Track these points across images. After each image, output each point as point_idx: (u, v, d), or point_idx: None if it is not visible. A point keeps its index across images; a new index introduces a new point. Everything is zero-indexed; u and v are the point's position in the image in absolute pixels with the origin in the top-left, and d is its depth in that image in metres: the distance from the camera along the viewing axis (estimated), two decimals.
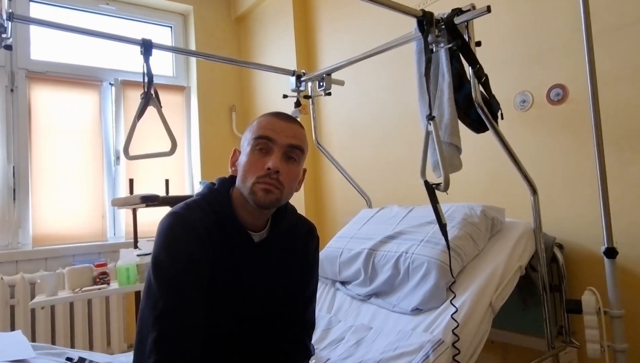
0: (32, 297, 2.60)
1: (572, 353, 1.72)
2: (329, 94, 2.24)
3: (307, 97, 2.35)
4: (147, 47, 1.66)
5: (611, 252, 1.43)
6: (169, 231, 1.03)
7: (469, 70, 1.51)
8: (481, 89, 1.52)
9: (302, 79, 2.28)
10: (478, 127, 1.63)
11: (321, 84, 2.23)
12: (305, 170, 1.16)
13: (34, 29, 3.05)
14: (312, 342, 1.60)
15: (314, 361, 1.42)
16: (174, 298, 0.97)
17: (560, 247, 1.80)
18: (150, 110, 1.75)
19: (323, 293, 1.99)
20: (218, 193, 1.12)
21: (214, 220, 1.07)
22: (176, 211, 1.05)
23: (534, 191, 1.64)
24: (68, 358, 1.21)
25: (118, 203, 2.77)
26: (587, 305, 1.46)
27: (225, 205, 1.10)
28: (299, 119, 2.36)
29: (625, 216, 1.65)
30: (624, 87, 1.65)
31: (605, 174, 1.44)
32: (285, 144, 1.06)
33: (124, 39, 1.72)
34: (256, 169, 1.05)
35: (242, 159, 1.09)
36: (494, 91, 1.56)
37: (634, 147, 1.64)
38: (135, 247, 2.59)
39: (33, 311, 2.62)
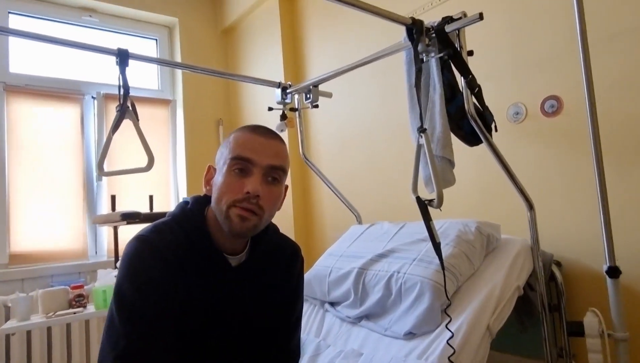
0: (7, 319, 2.46)
1: None
2: (316, 106, 2.16)
3: (293, 109, 2.27)
4: (122, 57, 1.58)
5: (614, 272, 1.36)
6: (134, 258, 0.92)
7: (461, 80, 1.44)
8: (474, 100, 1.45)
9: (288, 91, 2.21)
10: (471, 139, 1.56)
11: (308, 96, 2.15)
12: (287, 188, 1.07)
13: (12, 42, 2.95)
14: None
15: None
16: (138, 335, 0.87)
17: (559, 264, 1.73)
18: (130, 123, 1.66)
19: (312, 315, 1.89)
20: (191, 214, 1.02)
21: (186, 244, 0.97)
22: (143, 234, 0.95)
23: (530, 206, 1.57)
24: None
25: (99, 220, 2.66)
26: (590, 328, 1.38)
27: (198, 226, 1.00)
28: (285, 133, 2.29)
29: (626, 232, 1.58)
30: (619, 98, 1.60)
31: (606, 188, 1.37)
32: (266, 165, 0.97)
33: (99, 49, 1.64)
34: (233, 192, 0.95)
35: (218, 178, 0.99)
36: (487, 103, 1.50)
37: (632, 160, 1.57)
38: (115, 266, 2.47)
39: (7, 336, 2.49)
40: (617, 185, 1.60)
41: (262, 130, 1.01)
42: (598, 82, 1.59)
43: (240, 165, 0.96)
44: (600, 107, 1.55)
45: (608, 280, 1.37)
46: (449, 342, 1.30)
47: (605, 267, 1.37)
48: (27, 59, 3.01)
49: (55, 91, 3.03)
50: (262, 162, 0.96)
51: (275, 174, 0.99)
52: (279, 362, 1.11)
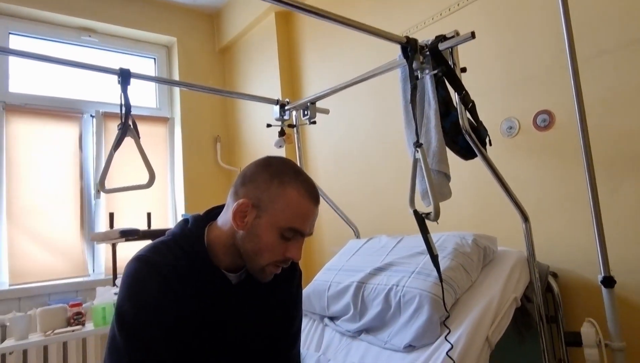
0: (4, 339, 2.45)
1: None
2: (314, 122, 2.20)
3: (291, 126, 2.31)
4: (124, 76, 1.61)
5: (609, 281, 1.38)
6: (134, 278, 0.94)
7: (455, 96, 1.48)
8: (468, 115, 1.48)
9: (286, 107, 2.25)
10: (466, 154, 1.59)
11: (306, 112, 2.19)
12: None
13: (12, 62, 2.99)
14: None
15: None
16: (140, 354, 0.88)
17: (555, 275, 1.75)
18: (130, 141, 1.69)
19: (311, 330, 1.89)
20: (191, 233, 1.03)
21: (185, 263, 0.98)
22: (142, 254, 0.97)
23: (525, 218, 1.60)
24: None
25: (97, 238, 2.67)
26: (587, 338, 1.40)
27: (198, 245, 1.01)
28: (282, 149, 2.32)
29: (620, 243, 1.61)
30: (609, 112, 1.64)
31: (598, 200, 1.40)
32: (309, 234, 1.02)
33: (101, 68, 1.67)
34: (276, 254, 0.98)
35: (263, 233, 0.97)
36: (480, 117, 1.54)
37: (623, 173, 1.61)
38: (114, 284, 2.47)
39: (3, 356, 2.47)
40: (610, 196, 1.63)
41: (316, 197, 1.02)
42: (588, 97, 1.64)
43: (292, 234, 0.98)
44: (591, 121, 1.59)
45: (603, 290, 1.39)
46: (449, 353, 1.32)
47: (600, 277, 1.39)
48: (26, 79, 3.04)
49: (54, 110, 3.06)
50: (309, 232, 1.01)
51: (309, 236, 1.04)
52: None
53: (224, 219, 1.02)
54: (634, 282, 1.58)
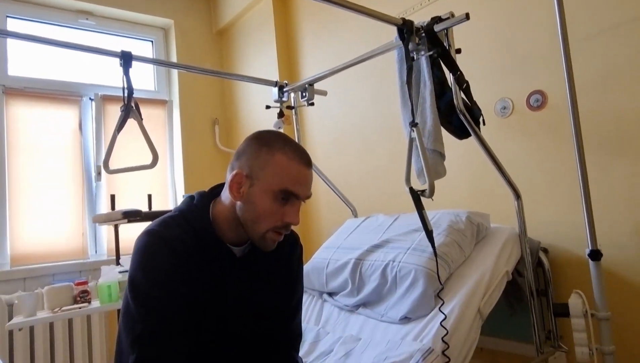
0: (10, 318, 2.51)
1: (561, 358, 1.72)
2: (312, 104, 2.23)
3: (290, 107, 2.34)
4: (126, 59, 1.64)
5: (595, 254, 1.44)
6: (145, 250, 0.98)
7: (450, 77, 1.52)
8: (462, 95, 1.53)
9: (285, 89, 2.28)
10: (460, 133, 1.63)
11: (304, 94, 2.23)
12: None
13: (11, 45, 3.00)
14: (301, 354, 1.58)
15: None
16: (153, 320, 0.94)
17: (545, 251, 1.81)
18: (131, 123, 1.72)
19: (310, 305, 1.96)
20: (197, 209, 1.07)
21: (193, 237, 1.03)
22: (152, 229, 1.01)
23: (517, 196, 1.65)
24: None
25: (99, 219, 2.72)
26: (574, 308, 1.47)
27: (203, 220, 1.06)
28: (281, 130, 2.36)
29: (608, 218, 1.67)
30: (600, 92, 1.68)
31: (587, 177, 1.46)
32: (305, 196, 1.05)
33: (103, 51, 1.70)
34: (274, 219, 1.01)
35: (258, 200, 1.00)
36: (475, 98, 1.58)
37: (613, 151, 1.66)
38: (117, 264, 2.53)
39: (10, 333, 2.53)
40: (600, 174, 1.68)
41: (306, 160, 1.05)
42: (582, 77, 1.69)
43: (286, 196, 1.01)
44: (582, 101, 1.63)
45: (590, 262, 1.45)
46: (442, 323, 1.38)
47: (587, 251, 1.45)
48: (24, 62, 3.05)
49: (53, 93, 3.08)
50: (305, 195, 1.04)
51: (305, 200, 1.07)
52: (283, 342, 1.18)
53: (225, 194, 1.07)
54: (621, 256, 1.65)
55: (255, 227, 1.02)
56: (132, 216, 2.41)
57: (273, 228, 1.02)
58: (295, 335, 1.22)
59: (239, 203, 1.03)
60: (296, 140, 2.46)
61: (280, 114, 2.28)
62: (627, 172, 1.63)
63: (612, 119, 1.66)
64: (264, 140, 1.04)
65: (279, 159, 1.01)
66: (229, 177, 1.04)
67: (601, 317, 1.44)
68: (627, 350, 1.62)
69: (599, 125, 1.69)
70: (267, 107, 2.28)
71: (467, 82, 1.51)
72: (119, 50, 1.68)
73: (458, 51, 1.54)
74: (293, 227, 1.15)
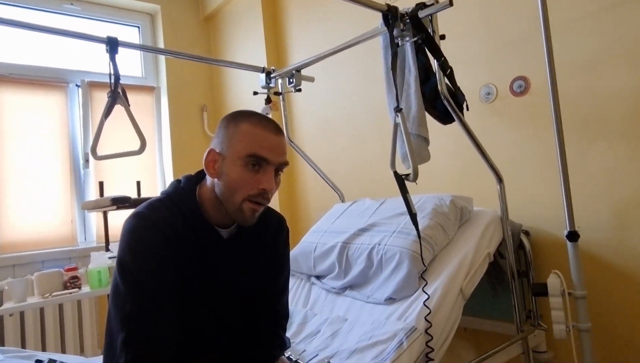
0: (0, 305, 2.52)
1: (540, 336, 1.78)
2: (299, 90, 2.25)
3: (277, 93, 2.35)
4: (112, 44, 1.64)
5: (573, 236, 1.49)
6: (133, 232, 1.01)
7: (434, 63, 1.54)
8: (446, 81, 1.55)
9: (272, 75, 2.29)
10: (444, 118, 1.66)
11: (291, 80, 2.24)
12: None
13: None
14: (289, 336, 1.62)
15: (289, 353, 1.43)
16: (142, 299, 0.96)
17: (527, 233, 1.86)
18: (119, 109, 1.73)
19: (299, 289, 2.00)
20: (184, 191, 1.10)
21: (180, 219, 1.05)
22: (140, 211, 1.03)
23: (499, 180, 1.69)
24: (38, 361, 1.19)
25: (88, 206, 2.72)
26: (552, 288, 1.52)
27: (190, 203, 1.08)
28: (270, 116, 2.37)
29: (587, 201, 1.72)
30: (582, 78, 1.72)
31: (566, 161, 1.50)
32: (278, 163, 1.05)
33: (88, 37, 1.69)
34: (248, 187, 1.02)
35: (230, 170, 1.03)
36: (460, 84, 1.60)
37: (592, 136, 1.71)
38: (107, 250, 2.54)
39: (1, 318, 2.55)
40: (579, 158, 1.73)
41: (272, 127, 1.06)
42: (564, 62, 1.72)
43: (256, 162, 1.02)
44: (563, 86, 1.67)
45: (568, 243, 1.50)
46: (425, 303, 1.43)
47: (565, 232, 1.50)
48: (10, 48, 3.01)
49: (39, 80, 3.05)
50: (276, 160, 1.04)
51: (281, 169, 1.08)
52: (270, 321, 1.22)
53: (208, 176, 1.10)
54: (598, 238, 1.70)
55: (231, 199, 1.03)
56: (121, 202, 2.42)
57: (248, 198, 1.03)
58: (282, 316, 1.25)
59: (216, 180, 1.06)
60: (284, 127, 2.49)
61: (268, 100, 2.29)
62: (605, 155, 1.68)
63: (591, 103, 1.70)
64: (231, 116, 1.08)
65: (244, 127, 1.04)
66: (204, 157, 1.07)
67: (578, 295, 1.49)
68: (603, 327, 1.68)
69: (580, 110, 1.73)
70: (255, 93, 2.29)
71: (451, 67, 1.53)
72: (104, 36, 1.68)
73: (442, 37, 1.56)
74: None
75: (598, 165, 1.70)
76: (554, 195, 1.80)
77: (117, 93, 1.65)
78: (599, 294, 1.69)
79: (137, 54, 3.58)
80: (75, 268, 2.22)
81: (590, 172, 1.71)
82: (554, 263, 1.79)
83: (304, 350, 1.48)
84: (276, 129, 1.07)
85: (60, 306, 2.67)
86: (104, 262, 2.19)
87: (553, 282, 1.52)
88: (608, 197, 1.68)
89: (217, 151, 1.06)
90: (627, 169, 1.63)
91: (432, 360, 1.36)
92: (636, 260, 1.63)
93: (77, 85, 3.19)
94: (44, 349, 2.63)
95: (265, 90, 2.31)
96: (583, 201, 1.71)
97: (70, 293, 2.09)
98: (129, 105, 1.66)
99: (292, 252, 2.05)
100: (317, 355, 1.43)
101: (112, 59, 1.65)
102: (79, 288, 2.17)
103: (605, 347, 1.69)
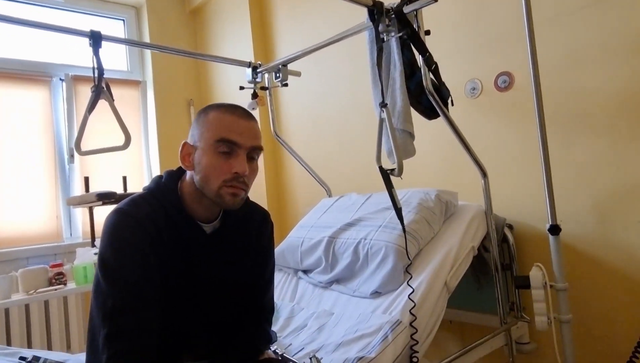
0: None
1: (523, 327, 1.82)
2: (286, 85, 2.24)
3: (264, 88, 2.35)
4: (95, 38, 1.62)
5: (555, 229, 1.51)
6: (114, 228, 1.00)
7: (419, 58, 1.55)
8: (431, 76, 1.56)
9: (258, 70, 2.28)
10: (430, 113, 1.68)
11: (278, 75, 2.23)
12: None
13: None
14: (276, 330, 1.63)
15: (275, 347, 1.44)
16: (124, 295, 0.96)
17: (510, 227, 1.89)
18: (104, 104, 1.71)
19: (286, 283, 2.01)
20: (165, 187, 1.10)
21: (162, 214, 1.05)
22: (121, 207, 1.03)
23: (484, 174, 1.71)
24: (22, 358, 1.18)
25: (73, 202, 2.69)
26: (535, 280, 1.54)
27: (172, 198, 1.08)
28: (256, 111, 2.37)
29: (569, 195, 1.74)
30: (564, 73, 1.74)
31: (548, 156, 1.52)
32: (249, 147, 1.05)
33: (71, 30, 1.67)
34: (222, 173, 1.03)
35: (203, 159, 1.04)
36: (446, 79, 1.62)
37: (575, 131, 1.73)
38: (93, 246, 2.52)
39: None
40: (562, 152, 1.76)
41: (241, 112, 1.07)
42: (548, 58, 1.74)
43: (226, 147, 1.03)
44: (546, 81, 1.69)
45: (550, 237, 1.53)
46: (410, 296, 1.44)
47: (547, 226, 1.53)
48: None
49: (22, 73, 3.00)
50: (247, 143, 1.05)
51: (255, 153, 1.08)
52: (255, 316, 1.22)
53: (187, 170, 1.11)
54: (580, 231, 1.73)
55: (208, 186, 1.04)
56: (107, 198, 2.40)
57: (224, 183, 1.03)
58: (267, 310, 1.26)
59: (193, 173, 1.07)
60: (270, 121, 2.49)
61: (254, 95, 2.28)
62: (587, 150, 1.70)
63: (574, 98, 1.73)
64: (202, 109, 1.10)
65: (212, 116, 1.06)
66: (179, 151, 1.08)
67: (559, 288, 1.52)
68: (583, 318, 1.72)
69: (562, 105, 1.75)
70: (241, 88, 2.28)
71: (435, 63, 1.54)
72: (88, 29, 1.66)
73: (427, 32, 1.57)
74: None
75: (580, 160, 1.72)
76: (537, 190, 1.82)
77: (101, 88, 1.63)
78: (580, 286, 1.72)
79: (122, 47, 3.54)
80: (60, 265, 2.20)
81: (572, 166, 1.74)
82: (537, 256, 1.82)
83: (290, 344, 1.49)
84: (245, 113, 1.08)
85: (46, 302, 2.65)
86: (89, 258, 2.18)
87: (535, 274, 1.55)
88: (589, 191, 1.71)
89: (190, 143, 1.08)
90: (608, 163, 1.66)
91: (417, 352, 1.38)
92: (616, 253, 1.66)
93: (61, 79, 3.14)
94: (29, 346, 2.61)
95: (252, 85, 2.30)
96: (565, 195, 1.74)
97: (56, 289, 2.07)
98: (113, 100, 1.65)
99: (279, 247, 2.06)
100: (302, 348, 1.44)
101: (96, 53, 1.63)
102: (65, 284, 2.15)
103: (586, 338, 1.73)
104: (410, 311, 1.42)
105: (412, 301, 1.43)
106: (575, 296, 1.69)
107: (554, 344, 1.52)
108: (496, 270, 1.72)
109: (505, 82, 1.90)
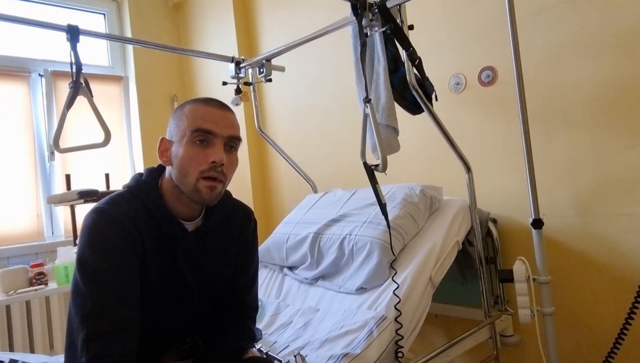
0: None
1: (507, 321, 1.83)
2: (270, 80, 2.22)
3: (247, 83, 2.32)
4: (73, 33, 1.58)
5: (538, 223, 1.52)
6: (93, 228, 0.98)
7: (403, 53, 1.54)
8: (415, 71, 1.56)
9: (242, 65, 2.25)
10: (414, 108, 1.67)
11: (261, 70, 2.21)
12: None
13: None
14: (261, 327, 1.62)
15: (260, 345, 1.43)
16: (102, 296, 0.94)
17: (494, 221, 1.90)
18: (84, 100, 1.67)
19: (271, 279, 2.00)
20: (145, 185, 1.08)
21: (142, 213, 1.03)
22: (100, 206, 1.01)
23: (468, 169, 1.71)
24: None
25: (54, 200, 2.64)
26: (518, 274, 1.55)
27: (152, 195, 1.06)
28: (240, 106, 2.34)
29: (552, 189, 1.76)
30: (547, 68, 1.75)
31: (531, 150, 1.53)
32: (226, 136, 1.03)
33: (48, 25, 1.63)
34: (198, 163, 1.00)
35: (179, 151, 1.02)
36: (429, 74, 1.61)
37: (557, 125, 1.74)
38: (75, 245, 2.48)
39: None
40: (545, 147, 1.77)
41: (215, 103, 1.07)
42: (530, 52, 1.75)
43: (202, 137, 1.01)
44: (529, 76, 1.70)
45: (533, 231, 1.54)
46: (395, 292, 1.44)
47: (530, 220, 1.54)
48: None
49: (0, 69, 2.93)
50: (223, 133, 1.03)
51: (233, 143, 1.06)
52: (238, 314, 1.21)
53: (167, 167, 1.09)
54: (562, 225, 1.75)
55: (185, 180, 1.02)
56: (89, 196, 2.36)
57: (201, 175, 1.01)
58: (251, 308, 1.25)
59: (171, 168, 1.06)
60: (255, 117, 2.46)
61: (238, 91, 2.26)
62: (568, 145, 1.72)
63: (556, 93, 1.74)
64: (179, 105, 1.09)
65: (187, 108, 1.05)
66: (156, 148, 1.08)
67: (542, 281, 1.53)
68: (565, 311, 1.74)
69: (545, 99, 1.76)
70: (224, 83, 2.25)
71: (419, 58, 1.54)
72: (66, 23, 1.62)
73: (411, 27, 1.57)
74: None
75: (561, 154, 1.74)
76: (520, 184, 1.83)
77: (80, 83, 1.59)
78: (562, 279, 1.74)
79: (103, 42, 3.47)
80: (41, 264, 2.16)
81: (554, 161, 1.75)
82: (520, 249, 1.84)
83: (275, 342, 1.49)
84: (220, 104, 1.07)
85: (28, 303, 2.60)
86: (70, 257, 2.14)
87: (518, 268, 1.56)
88: (571, 185, 1.72)
89: (168, 139, 1.07)
90: (588, 157, 1.68)
91: (402, 347, 1.38)
92: (598, 246, 1.68)
93: (40, 74, 3.08)
94: (11, 348, 2.56)
95: (235, 81, 2.28)
96: (547, 189, 1.75)
97: (36, 290, 2.04)
98: (92, 96, 1.61)
99: (265, 243, 2.04)
100: (288, 346, 1.43)
101: (74, 48, 1.59)
102: (46, 284, 2.11)
103: (568, 330, 1.75)
104: (395, 306, 1.42)
105: (397, 296, 1.43)
106: (558, 289, 1.71)
107: (537, 336, 1.53)
108: (480, 264, 1.73)
109: (489, 76, 1.90)
